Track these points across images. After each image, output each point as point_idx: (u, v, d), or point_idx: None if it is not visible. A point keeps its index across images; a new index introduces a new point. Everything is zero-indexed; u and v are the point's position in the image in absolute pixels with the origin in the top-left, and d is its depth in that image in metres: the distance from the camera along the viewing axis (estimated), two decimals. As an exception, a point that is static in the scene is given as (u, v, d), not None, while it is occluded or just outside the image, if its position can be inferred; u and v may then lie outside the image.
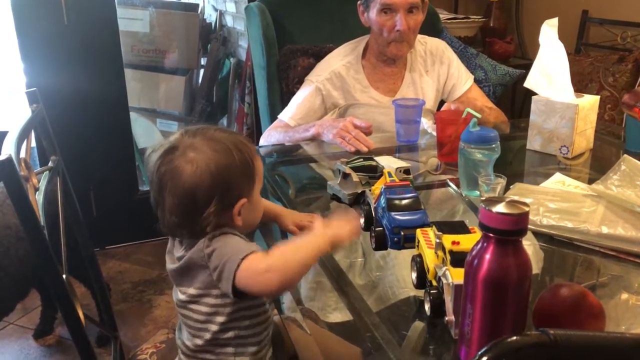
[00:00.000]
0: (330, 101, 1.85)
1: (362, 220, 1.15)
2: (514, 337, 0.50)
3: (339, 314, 0.93)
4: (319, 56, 1.97)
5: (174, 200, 0.86)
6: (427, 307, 0.87)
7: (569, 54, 1.55)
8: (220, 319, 0.91)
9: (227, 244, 0.87)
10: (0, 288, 1.52)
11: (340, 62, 1.86)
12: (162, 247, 0.98)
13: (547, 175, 1.35)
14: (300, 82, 1.95)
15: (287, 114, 1.84)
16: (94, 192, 2.65)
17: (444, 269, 0.83)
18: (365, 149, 1.53)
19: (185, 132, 0.91)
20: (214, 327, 0.91)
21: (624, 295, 0.98)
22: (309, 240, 0.91)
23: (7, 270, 1.51)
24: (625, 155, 1.27)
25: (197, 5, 3.52)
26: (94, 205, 2.65)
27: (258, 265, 0.83)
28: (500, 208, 0.68)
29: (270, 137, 1.81)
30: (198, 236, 0.88)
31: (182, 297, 0.93)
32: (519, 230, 0.69)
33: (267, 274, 0.83)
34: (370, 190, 1.16)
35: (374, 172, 1.24)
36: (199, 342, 0.93)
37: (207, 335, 0.92)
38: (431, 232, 0.93)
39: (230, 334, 0.92)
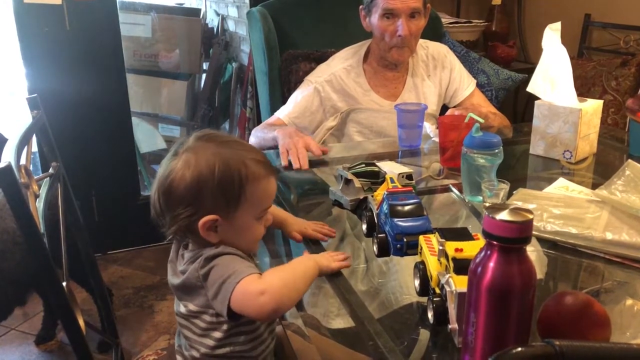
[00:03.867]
0: (329, 104, 1.85)
1: (364, 227, 1.15)
2: (519, 349, 0.49)
3: (342, 321, 0.92)
4: (321, 61, 1.97)
5: (155, 191, 0.89)
6: (430, 315, 0.86)
7: (571, 58, 1.54)
8: (217, 334, 0.90)
9: (223, 265, 0.85)
10: (-2, 291, 1.52)
11: (341, 65, 1.86)
12: (164, 252, 0.98)
13: (551, 180, 1.35)
14: (302, 87, 1.95)
15: (283, 112, 1.84)
16: (95, 197, 2.65)
17: (447, 276, 0.82)
18: (296, 166, 1.50)
19: (197, 134, 0.92)
20: (210, 342, 0.90)
21: (629, 302, 0.97)
22: (300, 264, 0.91)
23: (4, 274, 1.51)
24: (629, 160, 1.26)
25: (199, 10, 3.52)
26: (95, 211, 2.65)
27: (253, 288, 0.82)
28: (503, 215, 0.68)
29: (256, 131, 1.81)
30: (167, 231, 0.90)
31: (182, 309, 0.92)
32: (523, 238, 0.68)
33: (261, 297, 0.81)
34: (372, 196, 1.15)
35: (376, 178, 1.24)
36: (195, 354, 0.93)
37: (203, 349, 0.91)
38: (434, 238, 0.92)
39: (226, 349, 0.91)
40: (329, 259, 0.98)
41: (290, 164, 1.51)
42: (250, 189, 0.88)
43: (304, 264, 0.92)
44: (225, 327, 0.89)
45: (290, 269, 0.90)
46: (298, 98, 1.84)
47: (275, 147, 1.64)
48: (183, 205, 0.86)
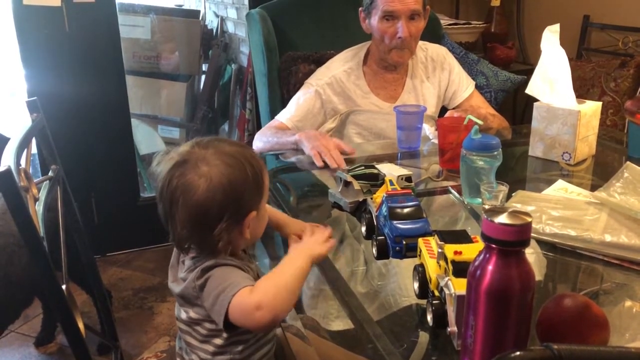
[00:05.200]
0: (330, 106, 1.85)
1: (363, 229, 1.15)
2: (518, 353, 0.50)
3: (341, 323, 0.92)
4: (320, 63, 1.97)
5: (185, 215, 0.85)
6: (429, 317, 0.86)
7: (570, 59, 1.54)
8: (217, 341, 0.90)
9: (218, 277, 0.85)
10: (6, 295, 1.52)
11: (341, 68, 1.86)
12: (164, 254, 0.98)
13: (550, 182, 1.35)
14: (301, 89, 1.95)
15: (285, 115, 1.84)
16: (95, 198, 2.64)
17: (446, 279, 0.82)
18: (334, 165, 1.50)
19: (196, 143, 0.89)
20: (210, 349, 0.91)
21: (628, 304, 0.97)
22: (291, 264, 0.89)
23: (12, 278, 1.51)
24: (628, 163, 1.27)
25: (199, 11, 3.52)
26: (95, 212, 2.65)
27: (249, 303, 0.81)
28: (502, 219, 0.68)
29: (262, 135, 1.81)
30: (207, 252, 0.87)
31: (183, 315, 0.92)
32: (522, 241, 0.68)
33: (258, 312, 0.81)
34: (371, 199, 1.15)
35: (376, 180, 1.23)
36: (195, 359, 0.93)
37: (204, 355, 0.91)
38: (433, 241, 0.92)
39: (226, 356, 0.91)
40: (316, 245, 0.94)
41: (325, 164, 1.52)
42: (265, 177, 0.91)
43: (295, 264, 0.89)
44: (225, 335, 0.89)
45: (282, 273, 0.87)
46: (300, 101, 1.84)
47: (291, 150, 1.66)
48: (227, 216, 0.85)
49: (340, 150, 1.55)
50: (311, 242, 0.95)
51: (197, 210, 0.84)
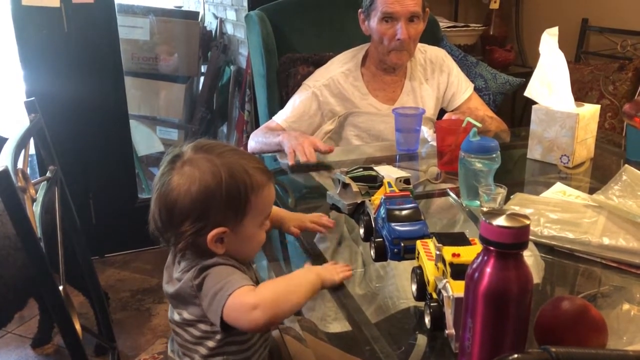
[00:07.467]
0: (327, 108, 1.85)
1: (362, 231, 1.15)
2: (515, 355, 0.49)
3: (339, 325, 0.92)
4: (319, 64, 1.97)
5: (156, 207, 0.88)
6: (427, 320, 0.86)
7: (568, 62, 1.55)
8: (210, 343, 0.90)
9: (216, 276, 0.85)
10: (-1, 298, 1.52)
11: (339, 70, 1.86)
12: (162, 255, 0.98)
13: (548, 185, 1.35)
14: (300, 91, 1.95)
15: (281, 116, 1.85)
16: (93, 199, 2.64)
17: (444, 281, 0.82)
18: (304, 159, 1.52)
19: (195, 145, 0.90)
20: (203, 351, 0.90)
21: (626, 307, 0.97)
22: (300, 277, 0.89)
23: (5, 281, 1.51)
24: (626, 165, 1.27)
25: (198, 13, 3.53)
26: (93, 213, 2.65)
27: (246, 301, 0.81)
28: (500, 221, 0.68)
29: (255, 135, 1.82)
30: (173, 247, 0.89)
31: (176, 317, 0.92)
32: (520, 244, 0.68)
33: (254, 311, 0.81)
34: (370, 201, 1.15)
35: (374, 182, 1.23)
36: None
37: (197, 357, 0.91)
38: (431, 243, 0.92)
39: (219, 358, 0.91)
40: (332, 271, 0.96)
41: (298, 163, 1.52)
42: (255, 198, 0.88)
43: (302, 277, 0.91)
44: (218, 336, 0.88)
45: (286, 282, 0.89)
46: (296, 102, 1.85)
47: (278, 151, 1.66)
48: (190, 220, 0.85)
49: (315, 148, 1.56)
50: (329, 267, 0.97)
51: (165, 206, 0.86)
